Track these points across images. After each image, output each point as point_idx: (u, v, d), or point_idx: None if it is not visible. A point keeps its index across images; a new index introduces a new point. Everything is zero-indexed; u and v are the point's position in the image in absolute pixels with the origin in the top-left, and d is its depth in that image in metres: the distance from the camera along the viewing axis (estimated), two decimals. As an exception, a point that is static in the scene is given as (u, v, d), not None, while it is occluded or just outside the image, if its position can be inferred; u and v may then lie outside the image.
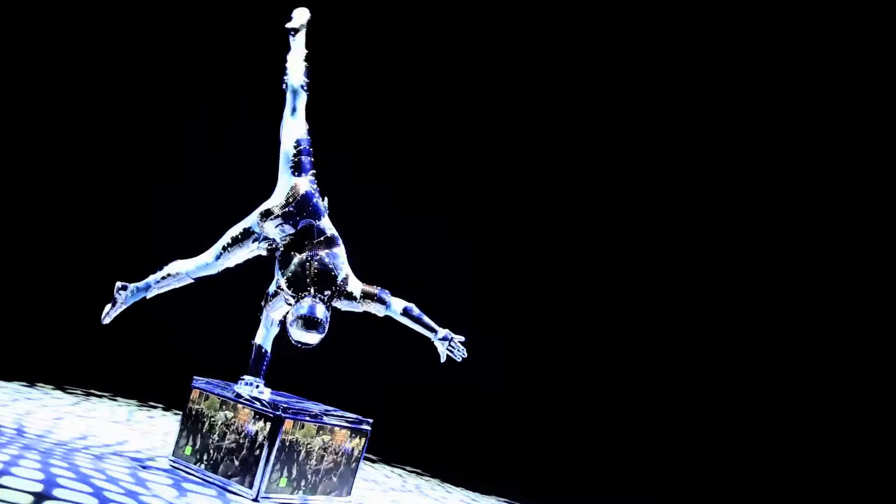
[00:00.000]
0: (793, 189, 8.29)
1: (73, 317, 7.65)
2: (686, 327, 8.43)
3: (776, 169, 8.34)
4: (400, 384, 8.01)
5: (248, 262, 5.09)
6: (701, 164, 8.53)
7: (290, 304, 4.59)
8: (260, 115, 8.22)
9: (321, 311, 4.45)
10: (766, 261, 8.36)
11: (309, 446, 4.62)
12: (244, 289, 5.56)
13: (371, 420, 4.99)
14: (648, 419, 8.42)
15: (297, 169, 4.80)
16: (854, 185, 8.13)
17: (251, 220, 4.76)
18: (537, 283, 8.86)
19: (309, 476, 4.66)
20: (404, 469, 6.80)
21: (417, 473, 6.79)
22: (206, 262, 4.78)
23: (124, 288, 4.83)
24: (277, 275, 4.69)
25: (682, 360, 8.43)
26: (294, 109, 4.92)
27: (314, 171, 4.84)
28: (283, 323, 4.77)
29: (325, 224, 4.72)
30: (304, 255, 4.60)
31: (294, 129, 4.89)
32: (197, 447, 4.67)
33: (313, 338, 4.46)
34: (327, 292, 4.54)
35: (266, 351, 4.86)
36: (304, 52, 5.06)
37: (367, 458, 6.40)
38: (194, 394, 4.77)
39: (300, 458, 4.59)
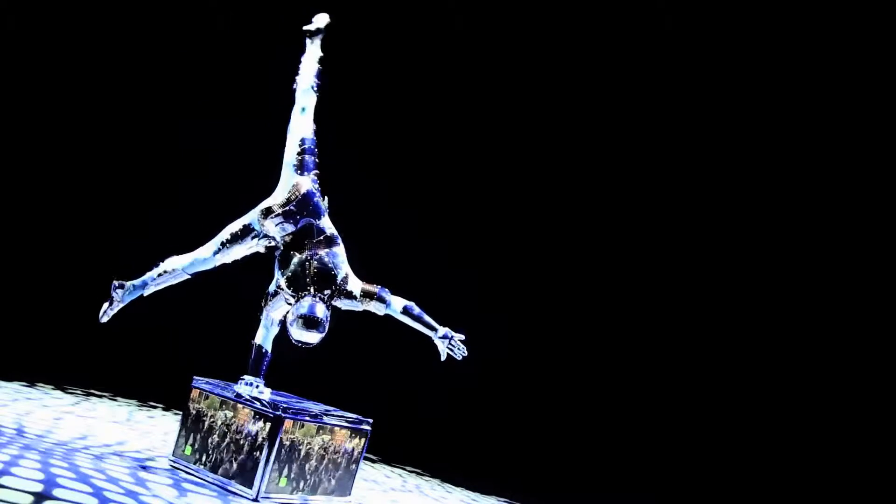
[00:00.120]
0: (793, 189, 8.29)
1: (73, 317, 7.66)
2: (686, 327, 8.43)
3: (776, 169, 8.34)
4: (400, 384, 8.02)
5: (247, 261, 5.09)
6: (701, 164, 8.53)
7: (290, 304, 4.59)
8: (259, 115, 8.26)
9: (321, 311, 4.45)
10: (766, 261, 8.36)
11: (309, 446, 4.62)
12: (244, 289, 5.56)
13: (371, 420, 4.99)
14: (648, 419, 8.42)
15: (300, 167, 4.81)
16: (854, 185, 8.13)
17: (251, 216, 4.75)
18: (538, 284, 8.86)
19: (309, 476, 4.66)
20: (404, 469, 6.80)
21: (417, 473, 6.79)
22: (203, 257, 4.76)
23: (121, 286, 4.82)
24: (277, 274, 4.69)
25: (681, 360, 8.43)
26: (303, 109, 4.94)
27: (317, 172, 4.84)
28: (283, 323, 4.78)
29: (325, 223, 4.72)
30: (303, 255, 4.60)
31: (301, 127, 4.90)
32: (197, 447, 4.67)
33: (313, 337, 4.46)
34: (327, 291, 4.54)
35: (266, 351, 4.87)
36: (320, 54, 5.08)
37: (367, 458, 6.40)
38: (194, 394, 4.77)
39: (300, 458, 4.59)
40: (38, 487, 3.58)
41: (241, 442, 4.51)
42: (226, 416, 4.61)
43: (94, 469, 4.16)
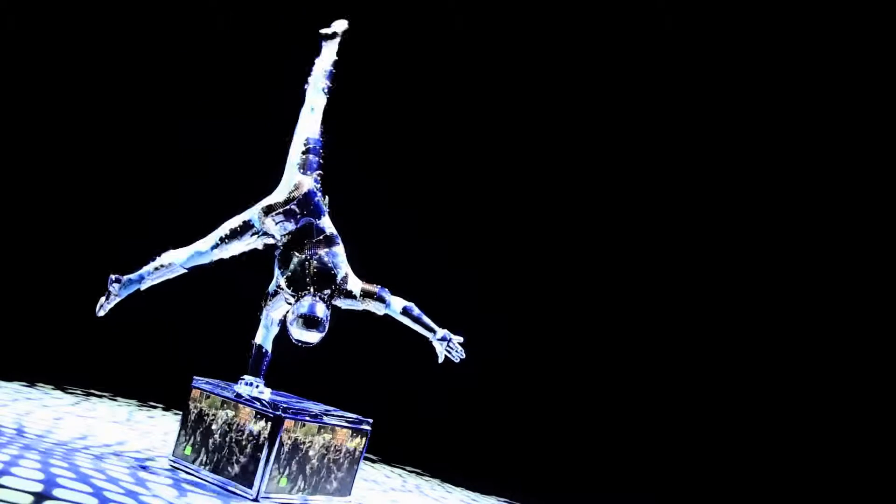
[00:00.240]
0: (792, 189, 8.29)
1: (73, 316, 7.66)
2: (686, 327, 8.43)
3: (776, 169, 8.34)
4: (400, 384, 8.02)
5: (247, 261, 5.09)
6: (700, 164, 8.53)
7: (290, 304, 4.59)
8: (259, 115, 8.26)
9: (321, 310, 4.46)
10: (766, 261, 8.36)
11: (309, 446, 4.62)
12: (244, 289, 5.56)
13: (371, 420, 4.99)
14: (648, 419, 8.42)
15: (304, 167, 4.82)
16: (854, 185, 8.13)
17: (252, 213, 4.75)
18: (538, 284, 8.86)
19: (309, 476, 4.66)
20: (404, 469, 6.80)
21: (417, 473, 6.79)
22: (200, 251, 4.76)
23: (118, 280, 4.82)
24: (277, 274, 4.69)
25: (681, 360, 8.43)
26: (312, 109, 4.96)
27: (320, 172, 4.85)
28: (283, 322, 4.78)
29: (325, 223, 4.73)
30: (303, 255, 4.60)
31: (308, 127, 4.92)
32: (197, 447, 4.67)
33: (314, 336, 4.46)
34: (327, 291, 4.54)
35: (266, 351, 4.87)
36: (334, 58, 5.11)
37: (367, 458, 6.40)
38: (194, 394, 4.77)
39: (300, 458, 4.59)
40: (38, 487, 3.58)
41: (242, 442, 4.51)
42: (226, 416, 4.61)
43: (94, 469, 4.16)
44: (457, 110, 8.70)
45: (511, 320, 8.65)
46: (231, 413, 4.60)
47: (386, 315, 4.71)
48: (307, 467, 4.64)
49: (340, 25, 5.25)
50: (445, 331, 4.75)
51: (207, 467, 4.59)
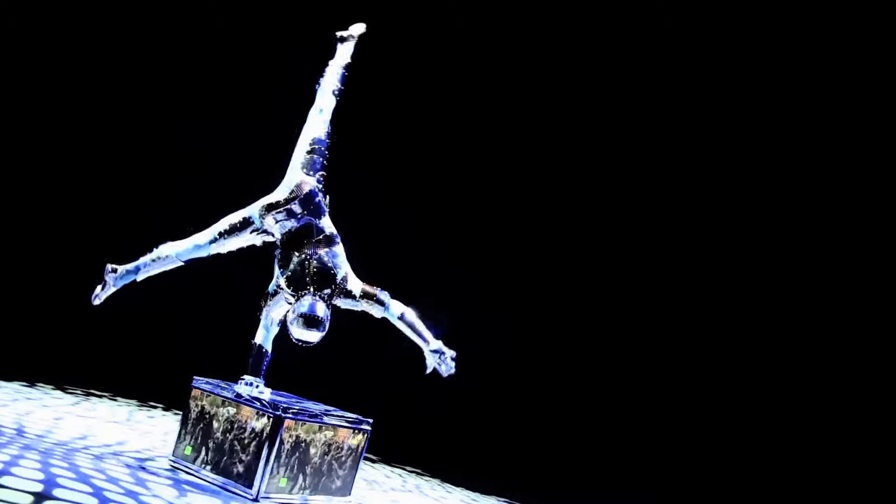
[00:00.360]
0: (792, 189, 8.29)
1: (73, 316, 7.66)
2: (686, 327, 8.43)
3: (776, 169, 8.34)
4: (400, 384, 8.01)
5: (247, 261, 5.09)
6: (700, 164, 8.53)
7: (290, 303, 4.60)
8: (259, 115, 8.26)
9: (321, 309, 4.46)
10: (766, 261, 8.36)
11: (309, 446, 4.62)
12: (244, 289, 5.56)
13: (371, 420, 4.99)
14: (648, 419, 8.42)
15: (307, 166, 4.82)
16: (854, 185, 8.13)
17: (252, 210, 4.75)
18: (538, 284, 8.86)
19: (309, 476, 4.66)
20: (404, 469, 6.80)
21: (417, 473, 6.79)
22: (198, 245, 4.75)
23: (114, 270, 4.81)
24: (277, 274, 4.69)
25: (681, 360, 8.43)
26: (321, 110, 4.98)
27: (323, 173, 4.85)
28: (283, 322, 4.78)
29: (326, 223, 4.73)
30: (303, 254, 4.60)
31: (315, 127, 4.93)
32: (197, 447, 4.67)
33: (314, 336, 4.46)
34: (327, 291, 4.54)
35: (266, 351, 4.87)
36: (348, 61, 5.13)
37: (367, 458, 6.40)
38: (194, 394, 4.77)
39: (300, 458, 4.59)
40: (38, 487, 3.58)
41: (242, 442, 4.51)
42: (226, 416, 4.61)
43: (94, 469, 4.16)
44: (457, 110, 8.70)
45: (511, 320, 8.64)
46: (231, 413, 4.60)
47: (383, 318, 4.72)
48: (307, 467, 4.64)
49: (358, 29, 5.28)
50: (440, 343, 4.74)
51: (207, 467, 4.59)
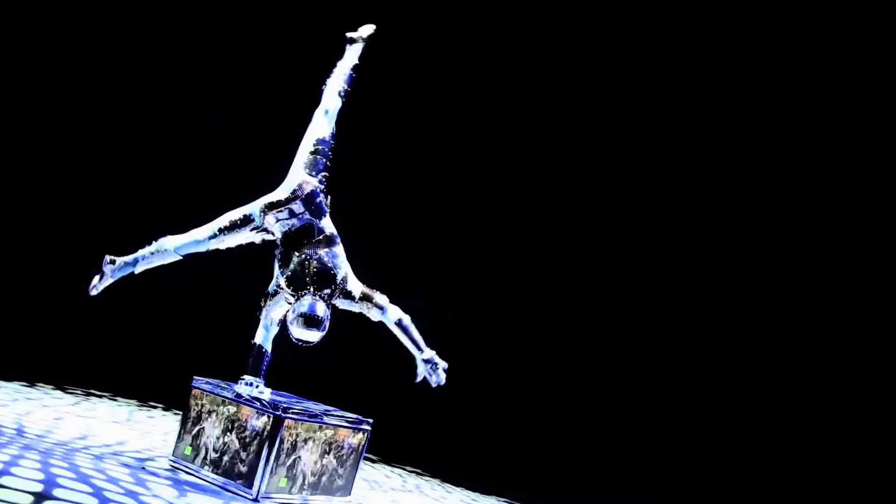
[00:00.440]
0: (792, 189, 8.29)
1: (73, 316, 7.66)
2: (686, 327, 8.42)
3: (776, 169, 8.34)
4: (400, 384, 8.00)
5: (247, 261, 5.08)
6: (700, 164, 8.52)
7: (290, 303, 4.60)
8: (259, 115, 8.27)
9: (322, 309, 4.46)
10: (766, 261, 8.36)
11: (309, 446, 4.62)
12: (244, 289, 5.56)
13: (371, 420, 4.99)
14: (648, 419, 8.42)
15: (310, 167, 4.82)
16: (854, 185, 8.13)
17: (253, 207, 4.75)
18: (538, 284, 8.86)
19: (309, 476, 4.66)
20: (404, 469, 6.80)
21: (417, 473, 6.79)
22: (197, 240, 4.74)
23: (112, 262, 4.81)
24: (277, 274, 4.70)
25: (681, 360, 8.43)
26: (326, 111, 4.97)
27: (326, 174, 4.85)
28: (283, 322, 4.78)
29: (326, 223, 4.73)
30: (303, 254, 4.61)
31: (320, 128, 4.93)
32: (197, 447, 4.67)
33: (314, 335, 4.47)
34: (327, 291, 4.55)
35: (266, 351, 4.87)
36: (356, 63, 5.14)
37: (367, 458, 6.40)
38: (194, 393, 4.77)
39: (300, 458, 4.59)
40: (38, 487, 3.58)
41: (242, 442, 4.51)
42: (226, 416, 4.61)
43: (94, 469, 4.16)
44: (457, 111, 8.70)
45: (511, 320, 8.64)
46: (231, 413, 4.60)
47: (379, 322, 4.73)
48: (307, 467, 4.64)
49: (367, 30, 5.27)
50: (433, 353, 4.76)
51: (207, 467, 4.59)
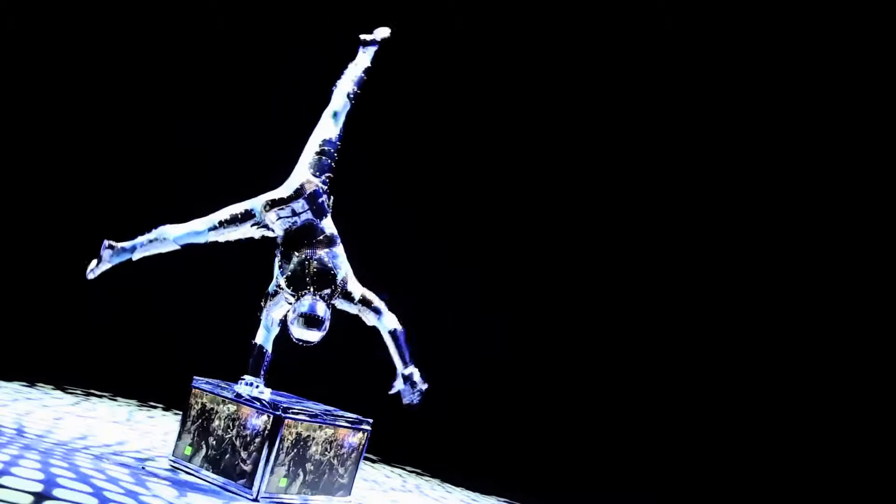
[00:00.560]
0: (792, 189, 8.29)
1: (73, 317, 7.66)
2: (686, 328, 8.42)
3: (776, 169, 8.34)
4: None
5: (247, 261, 5.08)
6: (700, 164, 8.52)
7: (290, 303, 4.60)
8: (259, 115, 8.26)
9: (322, 309, 4.47)
10: (766, 261, 8.36)
11: (309, 446, 4.62)
12: (244, 289, 5.56)
13: (371, 420, 4.99)
14: (648, 419, 8.42)
15: (315, 167, 4.82)
16: (854, 185, 8.13)
17: (255, 203, 4.75)
18: (538, 284, 8.86)
19: (309, 476, 4.66)
20: (404, 469, 6.80)
21: (417, 473, 6.79)
22: (196, 231, 4.74)
23: (111, 247, 4.80)
24: (277, 274, 4.70)
25: (681, 360, 8.43)
26: (335, 113, 4.97)
27: (330, 175, 4.85)
28: (283, 322, 4.78)
29: (327, 223, 4.74)
30: (303, 254, 4.61)
31: (327, 129, 4.94)
32: (197, 447, 4.67)
33: (314, 335, 4.47)
34: (327, 291, 4.55)
35: (266, 351, 4.87)
36: (368, 66, 5.13)
37: (367, 458, 6.40)
38: (194, 393, 4.77)
39: (300, 458, 4.59)
40: (38, 487, 3.58)
41: (242, 442, 4.51)
42: (226, 416, 4.61)
43: (94, 469, 4.16)
44: (457, 111, 8.70)
45: (511, 320, 8.64)
46: (231, 413, 4.60)
47: (373, 327, 4.74)
48: (307, 467, 4.64)
49: (381, 33, 5.27)
50: (415, 370, 4.77)
51: (207, 467, 4.59)
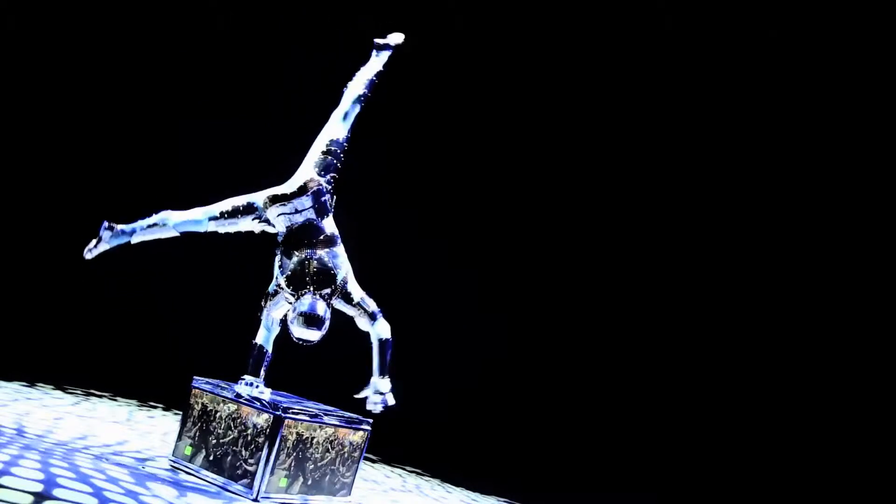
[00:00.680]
0: (792, 189, 8.29)
1: (73, 316, 7.66)
2: (686, 327, 8.42)
3: (775, 169, 8.34)
4: (400, 384, 8.00)
5: (247, 262, 5.08)
6: (700, 164, 8.52)
7: (290, 303, 4.60)
8: (259, 115, 8.26)
9: (322, 308, 4.47)
10: (766, 260, 8.36)
11: (309, 446, 4.62)
12: (244, 289, 5.56)
13: (371, 420, 4.99)
14: (648, 419, 8.42)
15: (320, 166, 4.83)
16: (854, 185, 8.13)
17: (258, 197, 4.75)
18: (538, 284, 8.86)
19: (309, 476, 4.66)
20: (404, 469, 6.80)
21: (417, 473, 6.79)
22: (197, 219, 4.74)
23: (110, 228, 4.79)
24: (277, 273, 4.70)
25: (681, 359, 8.43)
26: (345, 115, 4.97)
27: (335, 175, 4.85)
28: (284, 322, 4.78)
29: (328, 223, 4.74)
30: (303, 254, 4.62)
31: (336, 130, 4.95)
32: (197, 447, 4.67)
33: (314, 334, 4.48)
34: (326, 291, 4.55)
35: (266, 351, 4.86)
36: (380, 70, 5.15)
37: (367, 458, 6.40)
38: (194, 393, 4.77)
39: (300, 458, 4.59)
40: (38, 487, 3.58)
41: (242, 442, 4.51)
42: (226, 416, 4.61)
43: (94, 469, 4.16)
44: (456, 110, 8.70)
45: (511, 320, 8.64)
46: (231, 413, 4.60)
47: (364, 331, 4.76)
48: (307, 467, 4.64)
49: (396, 38, 5.29)
50: (387, 383, 4.81)
51: (207, 467, 4.59)
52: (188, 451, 4.69)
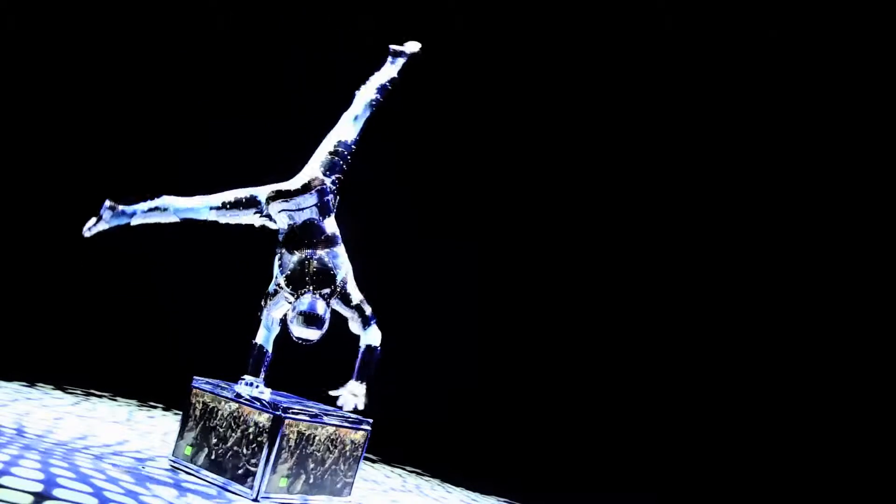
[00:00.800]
0: (792, 189, 8.30)
1: (73, 317, 7.66)
2: (686, 328, 8.43)
3: (775, 169, 8.35)
4: (400, 384, 8.01)
5: (247, 262, 5.07)
6: (699, 164, 8.53)
7: (289, 302, 4.60)
8: (259, 115, 8.26)
9: (321, 308, 4.47)
10: (766, 260, 8.37)
11: (309, 446, 4.62)
12: (244, 289, 5.56)
13: (371, 420, 4.99)
14: (648, 419, 8.42)
15: (327, 166, 4.83)
16: (854, 185, 8.13)
17: (261, 192, 4.75)
18: (538, 284, 8.86)
19: (309, 476, 4.66)
20: (404, 469, 6.80)
21: (417, 473, 6.79)
22: (198, 207, 4.75)
23: (112, 207, 4.79)
24: (276, 273, 4.70)
25: (682, 360, 8.44)
26: (355, 118, 4.98)
27: (340, 176, 4.85)
28: (284, 321, 4.78)
29: (329, 223, 4.74)
30: (303, 254, 4.62)
31: (345, 131, 4.96)
32: (197, 447, 4.66)
33: (314, 334, 4.48)
34: (326, 290, 4.55)
35: (267, 351, 4.86)
36: (394, 76, 5.15)
37: (367, 458, 6.40)
38: (195, 393, 4.77)
39: (300, 459, 4.59)
40: (38, 487, 3.58)
41: (242, 442, 4.51)
42: (226, 416, 4.61)
43: (94, 469, 4.16)
44: (456, 110, 8.70)
45: (511, 320, 8.64)
46: (231, 413, 4.60)
47: (355, 335, 4.76)
48: (307, 467, 4.63)
49: (412, 47, 5.29)
50: (362, 389, 4.76)
51: (207, 467, 4.59)
52: (188, 451, 4.69)
